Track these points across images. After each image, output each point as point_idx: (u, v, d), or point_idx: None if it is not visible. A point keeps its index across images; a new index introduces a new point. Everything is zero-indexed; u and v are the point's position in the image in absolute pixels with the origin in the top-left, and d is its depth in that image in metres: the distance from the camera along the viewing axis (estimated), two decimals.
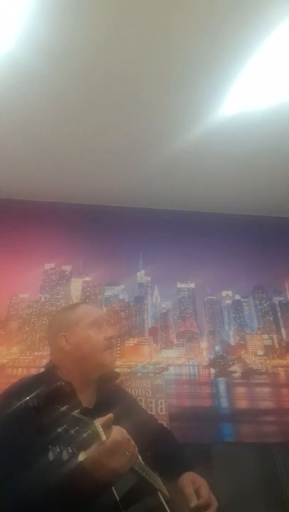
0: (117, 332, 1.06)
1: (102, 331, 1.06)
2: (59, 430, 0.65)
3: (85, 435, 0.65)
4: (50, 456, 0.63)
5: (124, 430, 0.73)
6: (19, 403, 0.77)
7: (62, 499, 0.69)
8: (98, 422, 0.69)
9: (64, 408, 0.68)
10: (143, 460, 0.91)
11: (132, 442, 0.75)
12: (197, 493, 0.94)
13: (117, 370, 1.95)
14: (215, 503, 0.95)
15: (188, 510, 0.91)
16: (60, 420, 0.67)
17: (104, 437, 0.65)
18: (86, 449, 0.66)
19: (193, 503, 0.92)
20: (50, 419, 0.67)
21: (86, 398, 0.98)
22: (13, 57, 1.44)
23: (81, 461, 0.67)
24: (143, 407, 1.72)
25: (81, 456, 0.65)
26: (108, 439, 0.68)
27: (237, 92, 1.62)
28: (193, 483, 0.97)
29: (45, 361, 1.10)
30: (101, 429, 0.67)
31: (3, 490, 0.73)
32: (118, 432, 0.71)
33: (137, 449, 0.77)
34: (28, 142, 1.94)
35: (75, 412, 0.69)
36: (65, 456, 0.63)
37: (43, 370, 1.08)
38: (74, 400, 0.72)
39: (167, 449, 1.11)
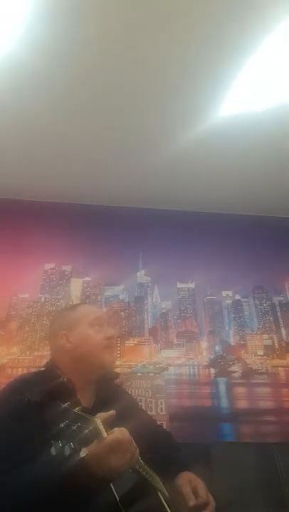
0: (117, 332, 1.06)
1: (102, 330, 1.06)
2: (61, 425, 0.66)
3: (87, 431, 0.66)
4: (53, 450, 0.64)
5: (126, 431, 0.73)
6: (22, 398, 0.77)
7: (60, 491, 0.69)
8: (99, 420, 0.69)
9: (66, 405, 0.69)
10: (142, 460, 0.91)
11: (134, 444, 0.75)
12: (195, 492, 0.95)
13: (117, 370, 1.96)
14: (212, 502, 0.95)
15: (186, 510, 0.91)
16: (61, 416, 0.68)
17: (104, 434, 0.66)
18: (87, 445, 0.66)
19: (192, 502, 0.91)
20: (53, 415, 0.67)
21: (85, 398, 0.98)
22: (14, 58, 1.44)
23: (83, 456, 0.67)
24: (143, 407, 1.73)
25: (83, 452, 0.65)
26: (109, 436, 0.68)
27: (237, 92, 1.62)
28: (190, 483, 0.97)
29: (45, 361, 1.10)
30: (102, 427, 0.67)
31: (5, 482, 0.73)
32: (120, 431, 0.71)
33: (138, 451, 0.76)
34: (29, 142, 1.94)
35: (77, 409, 0.69)
36: (67, 451, 0.64)
37: (43, 369, 1.08)
38: (74, 398, 0.73)
39: (165, 449, 1.11)
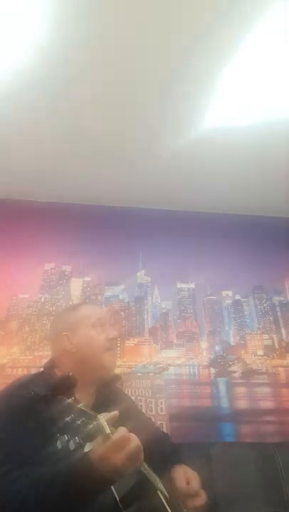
0: (119, 332, 1.06)
1: (104, 331, 1.06)
2: (67, 420, 0.66)
3: (91, 427, 0.66)
4: (58, 444, 0.64)
5: (135, 437, 0.72)
6: (29, 391, 0.78)
7: (64, 486, 0.68)
8: (103, 416, 0.69)
9: (70, 400, 0.69)
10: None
11: (142, 450, 0.73)
12: (188, 482, 0.95)
13: (117, 370, 1.96)
14: (203, 495, 0.95)
15: (177, 495, 0.92)
16: (67, 411, 0.68)
17: (108, 430, 0.66)
18: (91, 441, 0.66)
19: (183, 488, 0.92)
20: (58, 409, 0.68)
21: (85, 399, 0.97)
22: (15, 60, 1.44)
23: (87, 452, 0.67)
24: (143, 407, 1.73)
25: (87, 447, 0.65)
26: (117, 435, 0.68)
27: (237, 91, 1.62)
28: (185, 473, 0.98)
29: (45, 361, 1.10)
30: (105, 423, 0.67)
31: (12, 477, 0.72)
32: (133, 436, 0.71)
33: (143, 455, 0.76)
34: (29, 142, 1.94)
35: (81, 405, 0.69)
36: (72, 445, 0.64)
37: (42, 370, 1.08)
38: (75, 397, 0.73)
39: (163, 448, 1.11)
